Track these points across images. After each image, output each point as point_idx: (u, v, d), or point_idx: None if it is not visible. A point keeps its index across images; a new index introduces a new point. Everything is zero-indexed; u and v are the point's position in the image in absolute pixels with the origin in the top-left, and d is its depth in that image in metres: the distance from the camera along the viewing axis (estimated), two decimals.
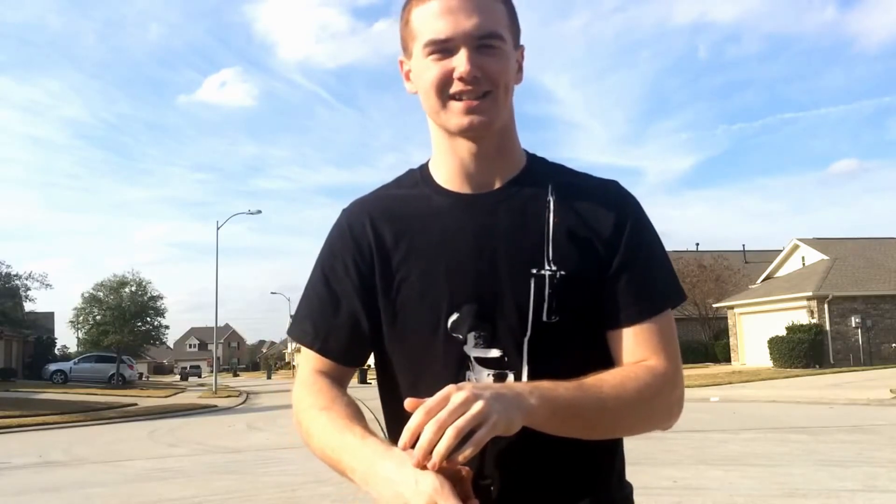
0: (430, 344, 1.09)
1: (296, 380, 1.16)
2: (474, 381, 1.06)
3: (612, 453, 1.13)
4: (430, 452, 0.83)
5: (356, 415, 1.03)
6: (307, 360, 1.17)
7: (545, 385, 0.96)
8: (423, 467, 0.84)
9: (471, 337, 1.08)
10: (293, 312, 1.24)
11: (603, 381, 1.01)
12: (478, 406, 0.85)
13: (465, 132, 1.10)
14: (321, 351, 1.15)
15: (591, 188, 1.17)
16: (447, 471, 0.84)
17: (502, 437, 0.88)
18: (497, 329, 1.07)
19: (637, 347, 1.07)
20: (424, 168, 1.21)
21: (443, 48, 1.07)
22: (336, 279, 1.16)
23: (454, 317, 1.08)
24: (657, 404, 1.05)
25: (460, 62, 1.06)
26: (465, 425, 0.83)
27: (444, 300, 1.08)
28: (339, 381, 1.13)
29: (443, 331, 1.08)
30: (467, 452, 0.84)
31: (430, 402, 0.86)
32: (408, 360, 1.12)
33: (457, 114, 1.08)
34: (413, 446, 0.85)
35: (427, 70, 1.09)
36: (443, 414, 0.84)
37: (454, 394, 0.86)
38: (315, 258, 1.21)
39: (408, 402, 0.89)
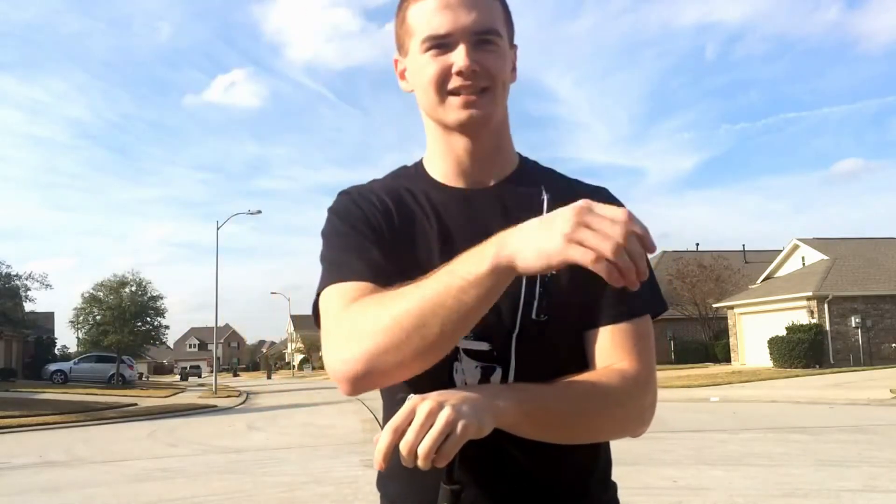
0: None
1: (330, 320, 1.00)
2: (462, 372, 1.07)
3: (592, 456, 1.12)
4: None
5: None
6: (344, 299, 1.01)
7: (516, 386, 0.97)
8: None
9: None
10: (319, 283, 1.10)
11: (574, 383, 1.00)
12: (444, 415, 0.83)
13: (464, 126, 1.10)
14: (378, 278, 1.02)
15: (582, 192, 1.16)
16: None
17: (473, 439, 0.87)
18: (487, 322, 1.06)
19: (612, 349, 1.07)
20: (419, 164, 1.21)
21: (441, 43, 1.07)
22: (368, 228, 1.10)
23: None
24: (629, 408, 1.04)
25: (459, 57, 1.06)
26: (435, 442, 0.82)
27: None
28: None
29: None
30: (440, 463, 0.84)
31: (395, 419, 0.84)
32: None
33: (455, 108, 1.08)
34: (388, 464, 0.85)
35: (426, 66, 1.09)
36: (409, 436, 0.83)
37: (419, 406, 0.85)
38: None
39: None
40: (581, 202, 0.83)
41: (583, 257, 0.80)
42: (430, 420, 0.83)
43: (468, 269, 0.88)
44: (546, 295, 1.07)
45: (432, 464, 0.83)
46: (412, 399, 0.86)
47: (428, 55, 1.08)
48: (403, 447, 0.82)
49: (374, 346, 0.90)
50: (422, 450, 0.82)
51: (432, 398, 0.86)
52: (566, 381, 1.01)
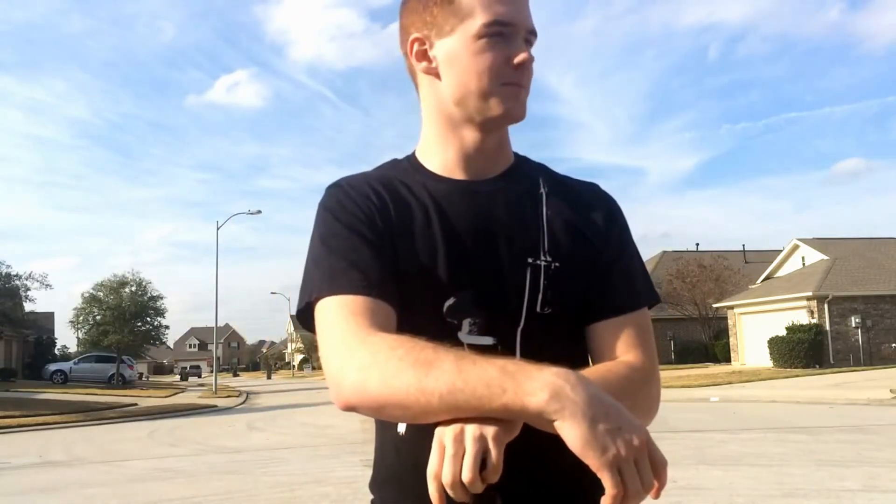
0: (425, 327, 1.01)
1: (350, 338, 0.94)
2: None
3: None
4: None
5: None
6: (354, 317, 0.96)
7: None
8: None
9: (465, 323, 1.06)
10: (311, 285, 1.03)
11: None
12: (470, 433, 0.79)
13: (502, 118, 1.08)
14: (381, 295, 0.99)
15: (577, 186, 1.19)
16: None
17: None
18: (491, 317, 1.06)
19: (616, 343, 1.07)
20: (411, 157, 1.18)
21: (504, 31, 1.05)
22: (364, 227, 1.06)
23: (450, 301, 1.06)
24: (638, 400, 1.03)
25: (520, 49, 1.05)
26: (475, 464, 0.78)
27: (441, 283, 1.06)
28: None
29: (438, 315, 1.06)
30: (493, 479, 0.80)
31: (431, 465, 0.80)
32: None
33: (503, 100, 1.06)
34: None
35: (484, 52, 1.05)
36: (447, 471, 0.78)
37: (444, 436, 0.80)
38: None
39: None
40: (645, 434, 0.77)
41: (611, 486, 0.75)
42: (459, 447, 0.79)
43: (519, 394, 0.78)
44: (551, 287, 1.07)
45: (484, 484, 0.79)
46: (437, 432, 0.82)
47: (485, 41, 1.05)
48: (448, 485, 0.78)
49: (388, 397, 0.85)
50: (466, 478, 0.77)
51: (451, 425, 0.82)
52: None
